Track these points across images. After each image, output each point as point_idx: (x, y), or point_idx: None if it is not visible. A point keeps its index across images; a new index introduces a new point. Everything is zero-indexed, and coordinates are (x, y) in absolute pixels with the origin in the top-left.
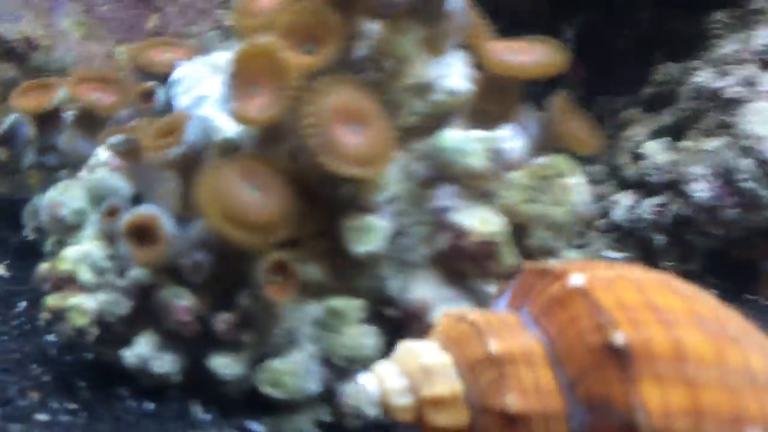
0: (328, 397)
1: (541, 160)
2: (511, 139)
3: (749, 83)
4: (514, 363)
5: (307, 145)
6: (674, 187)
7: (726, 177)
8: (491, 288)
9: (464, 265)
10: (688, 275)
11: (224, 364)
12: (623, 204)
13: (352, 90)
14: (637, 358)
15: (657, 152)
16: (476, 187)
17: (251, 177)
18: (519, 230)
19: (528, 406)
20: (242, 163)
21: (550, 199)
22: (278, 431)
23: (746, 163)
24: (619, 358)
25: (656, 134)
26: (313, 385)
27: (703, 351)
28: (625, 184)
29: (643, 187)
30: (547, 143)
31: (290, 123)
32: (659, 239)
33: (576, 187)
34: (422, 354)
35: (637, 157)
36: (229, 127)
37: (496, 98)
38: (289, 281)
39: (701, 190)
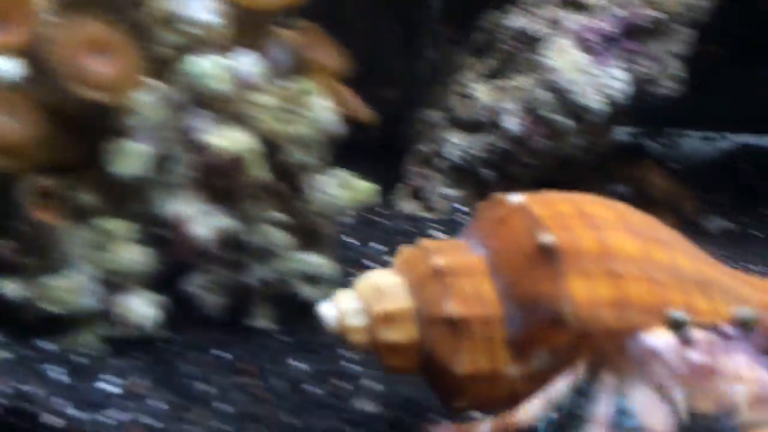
0: (106, 313)
1: (290, 83)
2: (255, 64)
3: (552, 22)
4: (456, 275)
5: (57, 74)
6: (495, 123)
7: (532, 110)
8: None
9: (218, 181)
10: None
11: (11, 288)
12: (455, 143)
13: (100, 22)
14: (564, 256)
15: (482, 93)
16: (225, 109)
17: (5, 106)
18: (273, 148)
19: (468, 312)
20: None
21: (299, 118)
22: (67, 348)
23: (547, 96)
24: (548, 256)
25: (482, 77)
26: (90, 300)
27: (630, 249)
28: (457, 125)
29: (472, 126)
30: (295, 68)
31: (43, 55)
32: (488, 173)
33: (321, 107)
34: (376, 278)
35: (466, 98)
36: None
37: (248, 29)
38: (55, 205)
39: (513, 124)
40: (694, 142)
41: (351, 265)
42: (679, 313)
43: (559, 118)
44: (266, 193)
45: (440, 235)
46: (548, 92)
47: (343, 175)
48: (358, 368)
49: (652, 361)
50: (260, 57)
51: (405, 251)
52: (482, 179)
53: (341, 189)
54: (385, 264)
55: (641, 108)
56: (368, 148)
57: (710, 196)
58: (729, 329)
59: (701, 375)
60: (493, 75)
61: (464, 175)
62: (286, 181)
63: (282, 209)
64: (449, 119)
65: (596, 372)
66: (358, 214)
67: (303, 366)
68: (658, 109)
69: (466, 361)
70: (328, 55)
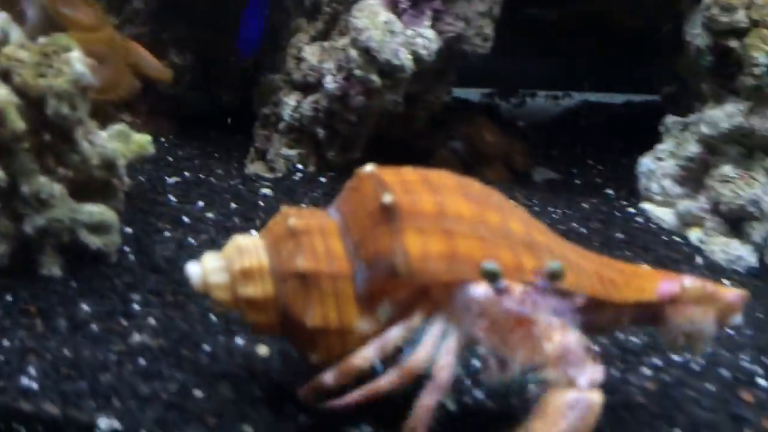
0: None
1: (43, 39)
2: (6, 21)
3: None
4: (309, 234)
5: None
6: (321, 84)
7: (346, 69)
8: None
9: None
10: (352, 163)
11: None
12: (290, 104)
13: None
14: (403, 215)
15: (310, 54)
16: None
17: None
18: (35, 102)
19: (317, 267)
20: None
21: (56, 73)
22: None
23: (356, 54)
24: (388, 215)
25: (311, 39)
26: None
27: (465, 212)
28: (293, 86)
29: (305, 88)
30: (48, 26)
31: None
32: (320, 132)
33: (75, 61)
34: (240, 240)
35: (299, 60)
36: None
37: None
38: None
39: (331, 83)
40: (542, 102)
41: (168, 221)
42: (491, 264)
43: (369, 76)
44: (37, 146)
45: (268, 192)
46: (358, 51)
47: (120, 128)
48: (143, 309)
49: (472, 310)
50: (12, 14)
51: (273, 218)
52: (317, 139)
53: (116, 141)
54: (202, 220)
55: (493, 71)
56: (227, 115)
57: (546, 150)
58: (540, 281)
59: (514, 324)
60: (319, 37)
61: (301, 135)
62: (56, 134)
63: (56, 161)
64: (287, 82)
65: (429, 320)
66: (195, 177)
67: (88, 308)
68: (511, 72)
69: (316, 315)
70: (85, 12)
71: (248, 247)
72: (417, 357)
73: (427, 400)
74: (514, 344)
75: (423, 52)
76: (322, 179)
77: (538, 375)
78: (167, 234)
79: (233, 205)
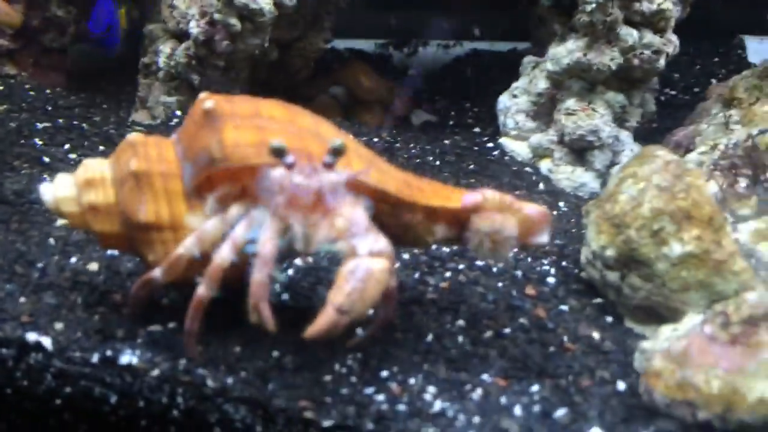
0: None
1: None
2: None
3: None
4: (145, 145)
5: None
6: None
7: (209, 14)
8: None
9: None
10: None
11: None
12: (165, 52)
13: None
14: (222, 116)
15: (181, 2)
16: None
17: None
18: None
19: (149, 167)
20: None
21: None
22: None
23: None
24: (209, 117)
25: None
26: None
27: (278, 115)
28: (169, 35)
29: (177, 35)
30: None
31: None
32: (195, 78)
33: None
34: (88, 161)
35: (172, 8)
36: None
37: None
38: None
39: (195, 28)
40: (434, 51)
41: (26, 161)
42: (277, 142)
43: (229, 20)
44: None
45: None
46: None
47: None
48: None
49: (272, 188)
50: None
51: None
52: (193, 85)
53: None
54: (63, 161)
55: (386, 21)
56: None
57: (431, 95)
58: (326, 157)
59: (311, 202)
60: None
61: (179, 82)
62: None
63: None
64: (165, 30)
65: (247, 210)
66: (69, 123)
67: None
68: (406, 23)
69: (149, 210)
70: None
71: (93, 164)
72: (233, 236)
73: (257, 276)
74: (315, 221)
75: None
76: None
77: (333, 247)
78: (22, 172)
79: (101, 148)
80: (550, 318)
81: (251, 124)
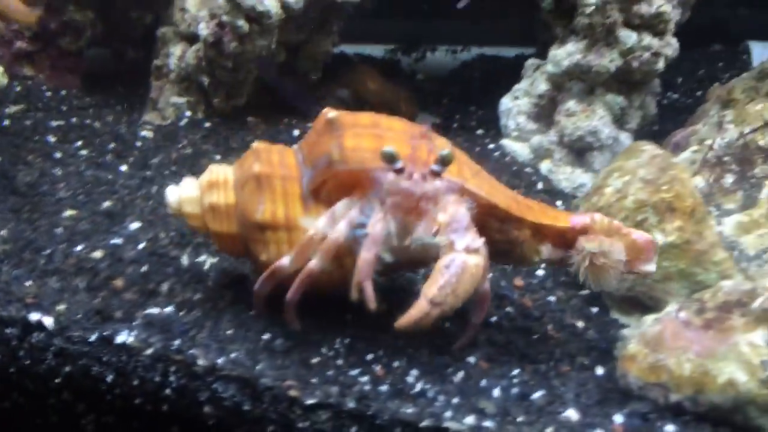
0: None
1: None
2: None
3: None
4: (268, 151)
5: None
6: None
7: (216, 16)
8: None
9: None
10: (238, 109)
11: None
12: (176, 54)
13: None
14: (344, 125)
15: (193, 5)
16: None
17: None
18: None
19: (271, 170)
20: None
21: None
22: None
23: (223, 1)
24: (332, 125)
25: None
26: None
27: (395, 125)
28: (180, 37)
29: (188, 38)
30: None
31: None
32: (204, 80)
33: None
34: (213, 166)
35: (184, 11)
36: None
37: None
38: None
39: (204, 30)
40: (442, 56)
41: (39, 155)
42: (388, 148)
43: (237, 21)
44: None
45: (148, 134)
46: None
47: None
48: None
49: (384, 189)
50: None
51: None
52: (203, 86)
53: None
54: (74, 156)
55: (396, 27)
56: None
57: (437, 99)
58: (434, 165)
59: (416, 200)
60: None
61: (189, 83)
62: None
63: None
64: (176, 33)
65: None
66: (81, 122)
67: None
68: (414, 29)
69: (266, 210)
70: None
71: (218, 169)
72: (339, 228)
73: (365, 254)
74: (418, 216)
75: (291, 0)
76: (207, 124)
77: (430, 239)
78: (35, 166)
79: (111, 145)
80: (536, 308)
81: (370, 132)
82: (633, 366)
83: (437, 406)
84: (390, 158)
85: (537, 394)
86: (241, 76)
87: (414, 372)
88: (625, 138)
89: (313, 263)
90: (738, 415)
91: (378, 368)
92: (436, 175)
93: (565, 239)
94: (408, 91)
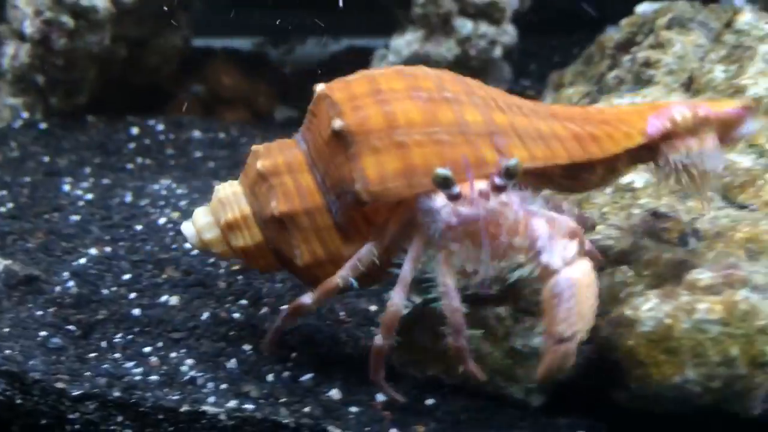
0: None
1: None
2: None
3: None
4: (278, 174)
5: None
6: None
7: (40, 12)
8: None
9: None
10: (80, 108)
11: None
12: (8, 53)
13: None
14: (355, 138)
15: (23, 2)
16: None
17: None
18: None
19: (291, 207)
20: None
21: None
22: None
23: None
24: (342, 141)
25: None
26: None
27: (415, 117)
28: (14, 35)
29: (21, 36)
30: None
31: None
32: (38, 79)
33: None
34: (221, 190)
35: (15, 8)
36: None
37: None
38: None
39: (29, 27)
40: (311, 47)
41: None
42: (442, 171)
43: (61, 18)
44: None
45: None
46: None
47: None
48: None
49: (433, 221)
50: None
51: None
52: (38, 86)
53: None
54: None
55: (262, 20)
56: None
57: (303, 92)
58: (498, 179)
59: (479, 226)
60: None
61: (24, 83)
62: None
63: None
64: (11, 31)
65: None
66: None
67: None
68: (281, 20)
69: (304, 253)
70: None
71: (223, 186)
72: (394, 298)
73: (395, 299)
74: (484, 244)
75: None
76: (42, 125)
77: (524, 272)
78: None
79: None
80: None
81: (389, 141)
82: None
83: (203, 392)
84: (444, 183)
85: (307, 376)
86: (77, 73)
87: (189, 361)
88: None
89: (379, 341)
90: (489, 384)
91: (153, 359)
92: (499, 189)
93: (650, 150)
94: (267, 85)
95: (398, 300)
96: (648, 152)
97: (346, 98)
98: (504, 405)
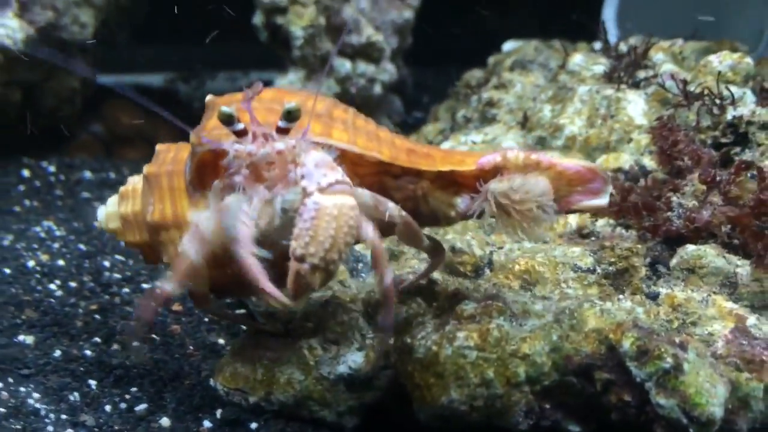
0: None
1: None
2: None
3: None
4: (166, 150)
5: None
6: None
7: None
8: None
9: None
10: None
11: None
12: None
13: None
14: (213, 105)
15: None
16: None
17: None
18: None
19: (159, 169)
20: None
21: None
22: None
23: None
24: (206, 108)
25: None
26: None
27: (264, 95)
28: None
29: None
30: None
31: None
32: None
33: None
34: (129, 182)
35: None
36: None
37: None
38: None
39: None
40: (221, 82)
41: None
42: (226, 108)
43: None
44: None
45: None
46: None
47: None
48: None
49: (233, 165)
50: None
51: None
52: None
53: None
54: None
55: (176, 55)
56: None
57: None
58: (280, 122)
59: (269, 161)
60: None
61: None
62: None
63: None
64: None
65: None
66: None
67: None
68: (192, 56)
69: (155, 210)
70: None
71: (132, 179)
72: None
73: (184, 244)
74: (277, 177)
75: (7, 41)
76: None
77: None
78: None
79: None
80: (186, 330)
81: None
82: (219, 375)
83: (45, 422)
84: (227, 119)
85: (141, 406)
86: None
87: (35, 395)
88: None
89: (165, 285)
90: (305, 409)
91: (3, 393)
92: (285, 131)
93: (478, 180)
94: (168, 121)
95: (187, 246)
96: (475, 181)
97: (222, 98)
98: (321, 427)
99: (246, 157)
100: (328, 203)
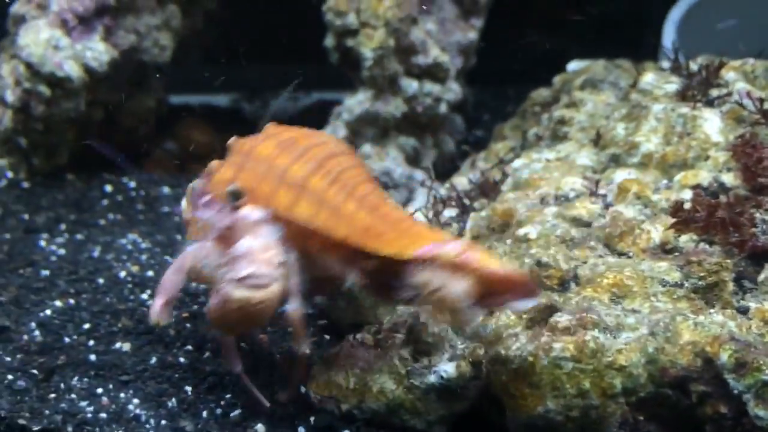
0: None
1: None
2: None
3: (39, 6)
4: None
5: None
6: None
7: (19, 83)
8: None
9: None
10: (60, 168)
11: None
12: None
13: None
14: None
15: (6, 71)
16: None
17: None
18: None
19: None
20: None
21: None
22: None
23: (22, 69)
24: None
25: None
26: None
27: (265, 153)
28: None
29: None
30: None
31: None
32: (22, 141)
33: None
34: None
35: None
36: None
37: None
38: None
39: (10, 96)
40: (283, 102)
41: None
42: (197, 182)
43: (38, 87)
44: None
45: None
46: (23, 66)
47: None
48: None
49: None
50: None
51: None
52: (23, 148)
53: None
54: None
55: (237, 76)
56: None
57: None
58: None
59: (225, 237)
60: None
61: (9, 145)
62: None
63: None
64: None
65: None
66: None
67: None
68: (257, 77)
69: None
70: None
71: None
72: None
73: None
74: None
75: (94, 63)
76: (25, 184)
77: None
78: None
79: None
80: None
81: (239, 163)
82: (312, 383)
83: (146, 427)
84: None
85: (236, 412)
86: (56, 136)
87: (135, 401)
88: (419, 175)
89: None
90: (395, 417)
91: (105, 399)
92: (234, 209)
93: (410, 267)
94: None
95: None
96: (407, 268)
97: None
98: None
99: (205, 225)
100: (232, 297)
